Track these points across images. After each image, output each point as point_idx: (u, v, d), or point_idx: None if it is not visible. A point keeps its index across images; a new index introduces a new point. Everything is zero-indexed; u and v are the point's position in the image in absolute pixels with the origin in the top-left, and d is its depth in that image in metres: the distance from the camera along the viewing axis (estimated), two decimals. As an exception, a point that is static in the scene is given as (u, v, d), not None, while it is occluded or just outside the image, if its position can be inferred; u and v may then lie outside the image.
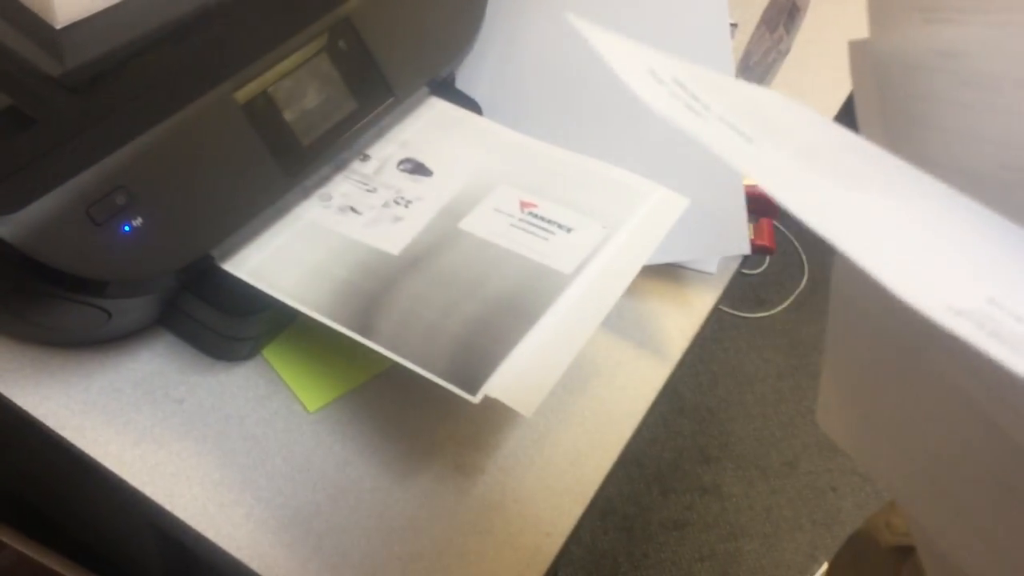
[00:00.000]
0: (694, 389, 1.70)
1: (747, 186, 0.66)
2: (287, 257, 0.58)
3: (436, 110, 0.71)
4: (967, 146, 0.29)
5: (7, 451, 0.82)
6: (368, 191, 0.63)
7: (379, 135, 0.67)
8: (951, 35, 0.29)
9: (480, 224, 0.61)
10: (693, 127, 0.24)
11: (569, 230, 0.61)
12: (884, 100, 0.31)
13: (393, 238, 0.60)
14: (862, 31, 0.33)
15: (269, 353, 0.62)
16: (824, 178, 0.25)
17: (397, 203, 0.62)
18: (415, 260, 0.59)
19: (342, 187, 0.63)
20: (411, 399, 0.62)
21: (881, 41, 0.31)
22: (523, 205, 0.63)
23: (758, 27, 0.83)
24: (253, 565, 0.53)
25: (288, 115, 0.58)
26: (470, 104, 0.72)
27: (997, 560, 0.30)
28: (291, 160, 0.58)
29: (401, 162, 0.66)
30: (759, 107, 0.28)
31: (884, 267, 0.21)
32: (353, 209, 0.62)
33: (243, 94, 0.56)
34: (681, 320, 0.70)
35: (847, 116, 0.37)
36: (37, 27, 0.53)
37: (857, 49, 0.32)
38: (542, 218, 0.61)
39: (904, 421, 0.33)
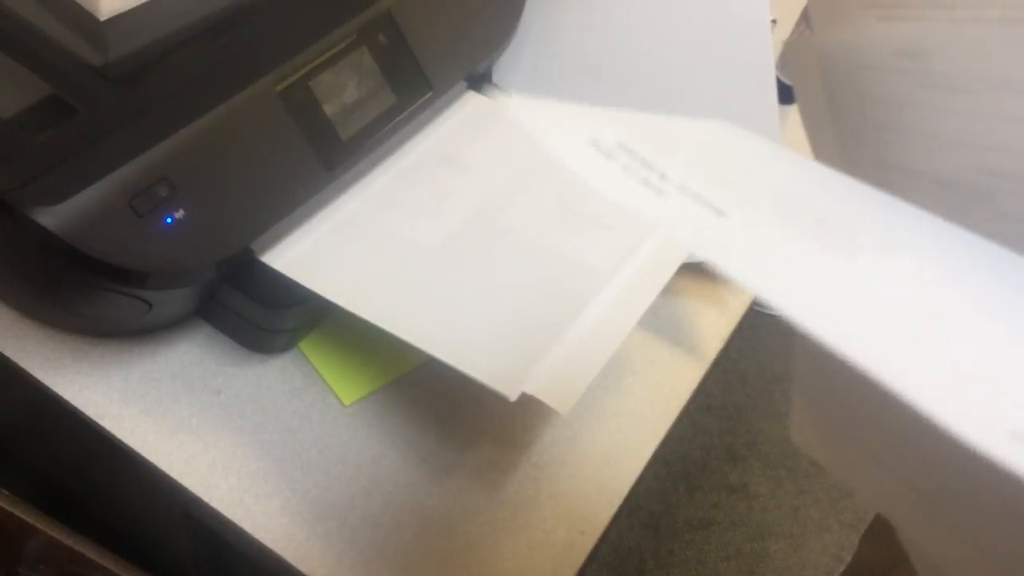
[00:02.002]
0: (722, 387, 1.69)
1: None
2: (325, 251, 0.58)
3: (473, 105, 0.70)
4: (937, 150, 0.26)
5: (45, 438, 0.83)
6: (406, 186, 0.63)
7: (417, 129, 0.67)
8: (910, 33, 0.26)
9: (518, 220, 0.61)
10: (655, 211, 0.21)
11: (607, 227, 0.60)
12: (833, 101, 0.29)
13: (431, 233, 0.60)
14: None
15: (305, 346, 0.62)
16: (810, 242, 0.21)
17: (435, 198, 0.62)
18: (452, 255, 0.58)
19: (380, 181, 0.63)
20: (446, 394, 0.62)
21: (827, 39, 0.28)
22: (561, 201, 0.62)
23: (798, 23, 0.82)
24: (287, 557, 0.53)
25: (328, 109, 0.58)
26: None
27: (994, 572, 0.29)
28: (330, 154, 0.58)
29: (439, 157, 0.66)
30: (718, 153, 0.25)
31: (914, 386, 0.16)
32: (391, 203, 0.62)
33: (284, 87, 0.56)
34: (716, 319, 0.69)
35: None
36: (81, 18, 0.53)
37: (795, 48, 0.30)
38: (580, 214, 0.61)
39: (885, 439, 0.31)
